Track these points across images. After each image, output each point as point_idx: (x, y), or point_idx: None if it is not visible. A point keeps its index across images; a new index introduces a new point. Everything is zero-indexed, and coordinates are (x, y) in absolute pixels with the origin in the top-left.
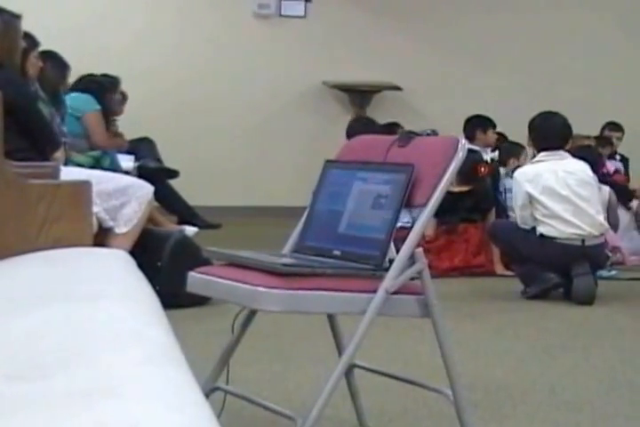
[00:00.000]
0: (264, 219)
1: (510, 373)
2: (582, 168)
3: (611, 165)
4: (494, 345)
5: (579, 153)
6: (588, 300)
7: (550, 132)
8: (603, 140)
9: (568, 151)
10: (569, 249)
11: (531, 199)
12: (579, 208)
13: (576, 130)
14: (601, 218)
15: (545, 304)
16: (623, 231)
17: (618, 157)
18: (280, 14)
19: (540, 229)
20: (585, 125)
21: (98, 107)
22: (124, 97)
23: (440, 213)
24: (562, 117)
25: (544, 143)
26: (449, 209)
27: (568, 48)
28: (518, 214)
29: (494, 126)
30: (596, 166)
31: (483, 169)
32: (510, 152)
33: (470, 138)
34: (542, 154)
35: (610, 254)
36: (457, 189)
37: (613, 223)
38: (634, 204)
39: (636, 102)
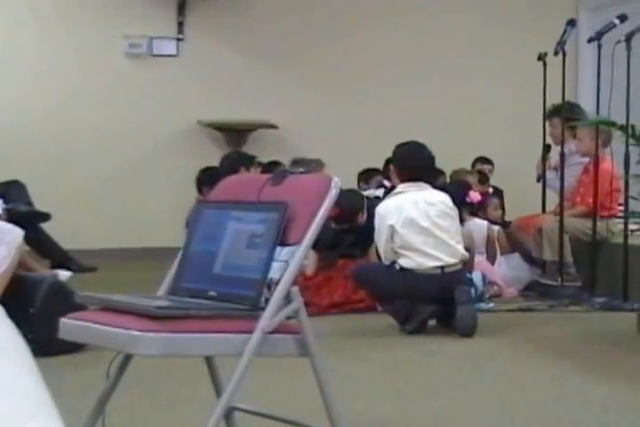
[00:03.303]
0: (141, 261)
1: (394, 409)
2: (443, 199)
3: (475, 196)
4: (377, 382)
5: (447, 186)
6: (470, 329)
7: (416, 163)
8: (481, 175)
9: (428, 182)
10: (430, 278)
11: (393, 233)
12: (439, 239)
13: (450, 165)
14: (460, 247)
15: (426, 339)
16: (506, 258)
17: (491, 190)
18: (152, 53)
19: (400, 262)
20: (457, 160)
21: None
22: None
23: (321, 249)
24: (426, 148)
25: (410, 175)
26: (331, 245)
27: (440, 84)
28: (382, 249)
29: None
30: (464, 197)
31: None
32: None
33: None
34: (403, 185)
35: (479, 285)
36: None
37: (492, 257)
38: (495, 228)
39: (504, 136)
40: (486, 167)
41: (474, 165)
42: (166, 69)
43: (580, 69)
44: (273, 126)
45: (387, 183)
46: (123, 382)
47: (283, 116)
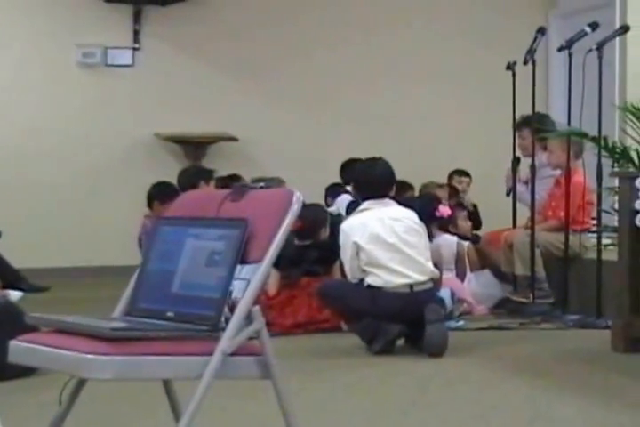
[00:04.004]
0: (95, 280)
1: None
2: (409, 215)
3: (445, 210)
4: (343, 404)
5: (414, 201)
6: (440, 349)
7: (373, 180)
8: (451, 189)
9: (393, 198)
10: (398, 296)
11: (358, 249)
12: (406, 256)
13: (425, 179)
14: (430, 265)
15: (393, 358)
16: (476, 275)
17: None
18: (106, 63)
19: (367, 280)
20: (430, 174)
21: None
22: None
23: (283, 267)
24: (385, 164)
25: (368, 192)
26: (294, 261)
27: (406, 96)
28: (347, 267)
29: None
30: (433, 212)
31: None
32: None
33: None
34: (367, 202)
35: (448, 302)
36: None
37: (462, 273)
38: (465, 244)
39: (473, 148)
40: (464, 180)
41: (450, 177)
42: (121, 80)
43: (550, 79)
44: (233, 139)
45: None
46: (76, 408)
47: (243, 129)
